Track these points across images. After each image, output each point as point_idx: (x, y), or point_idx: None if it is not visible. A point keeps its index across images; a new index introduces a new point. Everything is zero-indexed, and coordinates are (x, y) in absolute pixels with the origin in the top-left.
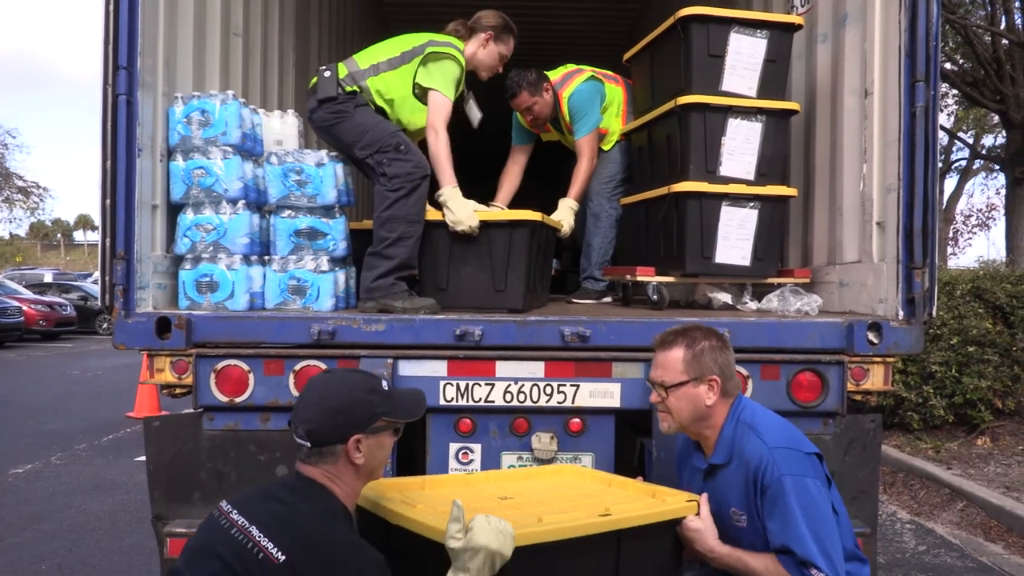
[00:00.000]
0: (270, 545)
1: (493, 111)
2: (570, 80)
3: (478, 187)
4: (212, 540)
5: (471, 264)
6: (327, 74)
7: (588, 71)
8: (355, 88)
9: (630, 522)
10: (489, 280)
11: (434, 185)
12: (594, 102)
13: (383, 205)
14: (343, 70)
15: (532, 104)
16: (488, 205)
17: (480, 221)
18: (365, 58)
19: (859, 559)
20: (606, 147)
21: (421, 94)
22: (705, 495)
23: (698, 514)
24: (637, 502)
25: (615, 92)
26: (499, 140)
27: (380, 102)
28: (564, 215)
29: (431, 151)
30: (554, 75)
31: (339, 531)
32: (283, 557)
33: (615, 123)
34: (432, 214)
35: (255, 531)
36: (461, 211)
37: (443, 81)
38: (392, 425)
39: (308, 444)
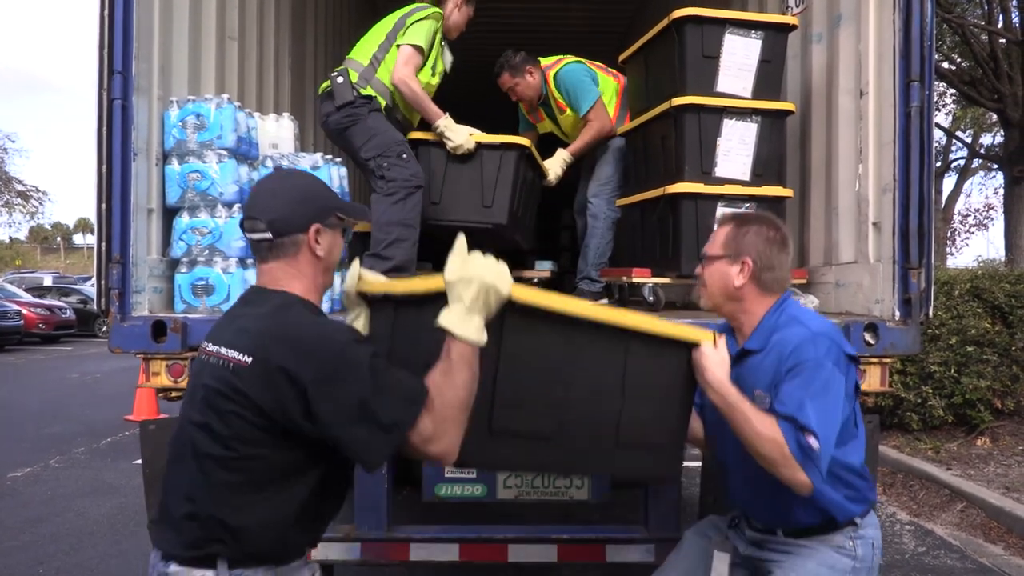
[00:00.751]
0: (236, 354)
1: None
2: (558, 63)
3: None
4: (196, 376)
5: (463, 181)
6: (340, 80)
7: (576, 57)
8: (369, 90)
9: (642, 326)
10: (479, 196)
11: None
12: (585, 78)
13: (380, 209)
14: (353, 74)
15: (514, 85)
16: None
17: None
18: (361, 53)
19: (866, 478)
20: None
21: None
22: (724, 336)
23: (715, 346)
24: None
25: (608, 82)
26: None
27: (395, 94)
28: (554, 164)
29: (409, 98)
30: (546, 61)
31: (294, 314)
32: (249, 358)
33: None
34: (424, 134)
35: (223, 350)
36: (459, 136)
37: (414, 36)
38: (342, 224)
39: (269, 236)
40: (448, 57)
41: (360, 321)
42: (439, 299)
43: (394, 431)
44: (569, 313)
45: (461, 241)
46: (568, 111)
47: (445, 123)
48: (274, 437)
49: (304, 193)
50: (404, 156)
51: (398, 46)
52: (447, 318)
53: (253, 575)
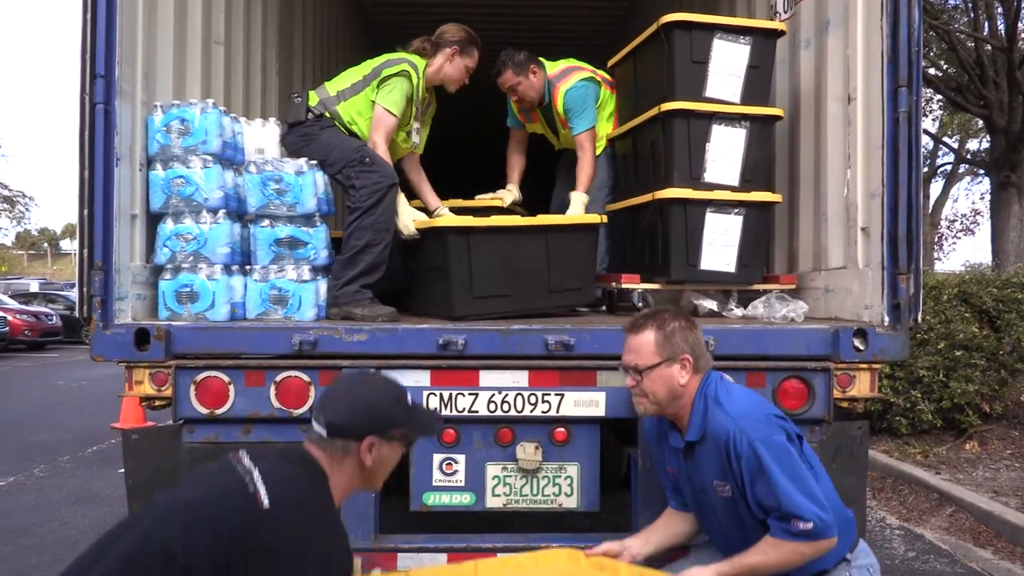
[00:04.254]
0: (263, 491)
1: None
2: (569, 76)
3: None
4: (218, 469)
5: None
6: (297, 100)
7: (588, 71)
8: (324, 113)
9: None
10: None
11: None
12: (590, 100)
13: (353, 216)
14: (314, 98)
15: (516, 84)
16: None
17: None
18: (334, 85)
19: (841, 514)
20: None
21: None
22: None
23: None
24: None
25: (609, 96)
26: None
27: (351, 126)
28: (577, 210)
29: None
30: (552, 68)
31: (326, 509)
32: (268, 505)
33: (606, 128)
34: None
35: (256, 474)
36: (402, 218)
37: (388, 98)
38: (406, 438)
39: (324, 433)
40: (416, 139)
41: None
42: None
43: None
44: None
45: None
46: (567, 128)
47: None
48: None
49: (372, 406)
50: (367, 160)
51: (372, 102)
52: None
53: None
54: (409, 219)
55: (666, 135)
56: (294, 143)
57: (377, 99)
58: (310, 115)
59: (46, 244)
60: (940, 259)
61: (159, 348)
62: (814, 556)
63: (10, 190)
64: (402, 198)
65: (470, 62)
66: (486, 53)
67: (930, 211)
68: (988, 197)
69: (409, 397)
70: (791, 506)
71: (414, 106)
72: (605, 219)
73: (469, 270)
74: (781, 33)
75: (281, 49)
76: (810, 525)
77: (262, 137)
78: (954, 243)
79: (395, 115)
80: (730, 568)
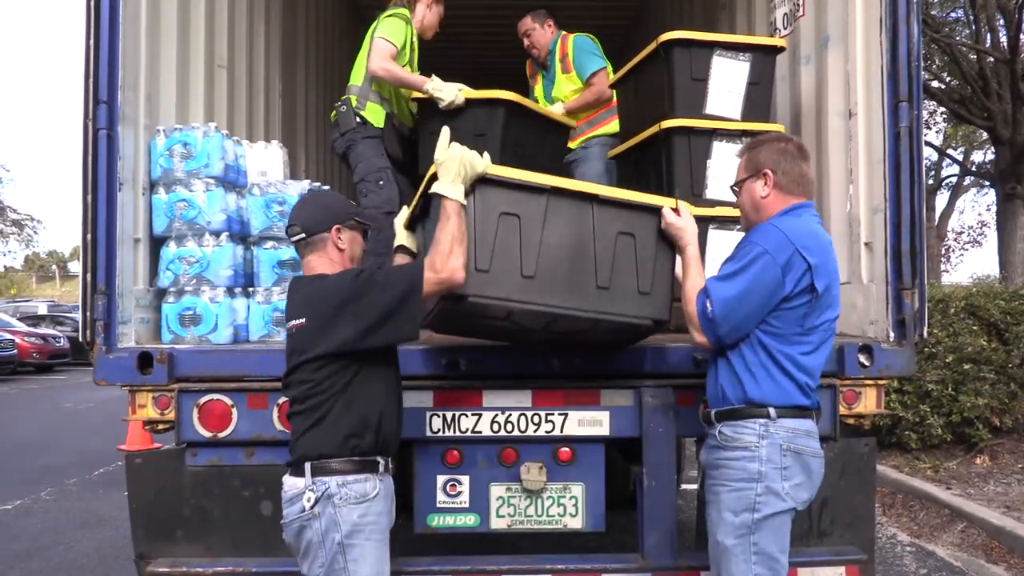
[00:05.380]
0: (296, 320)
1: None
2: (578, 31)
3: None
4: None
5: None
6: (344, 109)
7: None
8: (368, 109)
9: (604, 192)
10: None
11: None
12: (598, 51)
13: None
14: (352, 99)
15: (531, 29)
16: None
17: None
18: (356, 75)
19: (799, 384)
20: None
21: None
22: (687, 205)
23: (676, 210)
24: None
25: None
26: None
27: (390, 97)
28: (558, 110)
29: (392, 81)
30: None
31: (330, 276)
32: (303, 320)
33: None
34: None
35: (292, 322)
36: (448, 92)
37: (387, 29)
38: (361, 226)
39: (303, 235)
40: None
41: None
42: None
43: (415, 286)
44: (535, 183)
45: (445, 132)
46: (572, 73)
47: (433, 84)
48: (333, 366)
49: (326, 203)
50: (381, 183)
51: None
52: (438, 186)
53: (329, 480)
54: (455, 89)
55: (667, 152)
56: (341, 146)
57: (376, 32)
58: (357, 120)
59: (54, 266)
60: (948, 271)
61: (162, 371)
62: (691, 333)
63: (19, 213)
64: (437, 79)
65: (442, 9)
66: (486, 63)
67: (936, 223)
68: (994, 209)
69: (353, 203)
70: (712, 289)
71: (409, 50)
72: (575, 123)
73: (510, 136)
74: (781, 49)
75: (284, 72)
76: (711, 312)
77: (265, 160)
78: (961, 255)
79: (392, 43)
80: (691, 257)
